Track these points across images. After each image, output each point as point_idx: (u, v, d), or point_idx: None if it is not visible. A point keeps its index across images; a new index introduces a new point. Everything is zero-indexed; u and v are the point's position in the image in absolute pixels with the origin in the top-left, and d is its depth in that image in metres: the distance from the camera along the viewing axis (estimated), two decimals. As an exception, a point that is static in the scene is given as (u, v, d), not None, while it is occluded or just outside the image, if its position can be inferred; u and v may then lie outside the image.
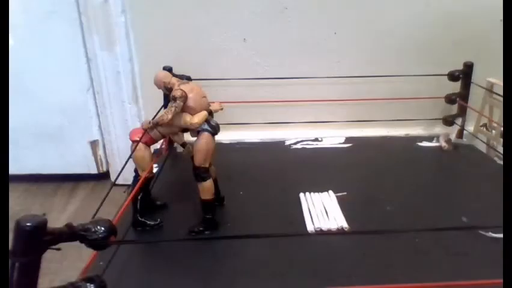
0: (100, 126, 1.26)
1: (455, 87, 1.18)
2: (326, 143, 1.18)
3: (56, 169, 1.31)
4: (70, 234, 0.45)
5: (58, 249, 0.44)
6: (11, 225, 0.42)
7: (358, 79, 1.16)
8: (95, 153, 1.30)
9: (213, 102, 0.79)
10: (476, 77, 1.15)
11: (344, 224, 0.77)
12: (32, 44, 1.16)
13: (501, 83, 1.09)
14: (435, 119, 1.22)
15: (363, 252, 0.71)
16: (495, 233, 0.72)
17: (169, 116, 0.69)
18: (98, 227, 0.47)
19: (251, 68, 1.17)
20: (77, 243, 0.47)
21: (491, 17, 1.12)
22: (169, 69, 1.11)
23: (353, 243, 0.73)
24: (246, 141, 1.22)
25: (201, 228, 0.76)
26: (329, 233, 0.76)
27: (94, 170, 1.32)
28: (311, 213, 0.81)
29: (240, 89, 1.18)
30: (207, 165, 0.74)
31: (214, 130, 0.74)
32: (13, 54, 1.06)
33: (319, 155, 1.13)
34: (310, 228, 0.77)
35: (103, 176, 1.33)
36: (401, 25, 1.15)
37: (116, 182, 0.82)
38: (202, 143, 0.73)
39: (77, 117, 1.24)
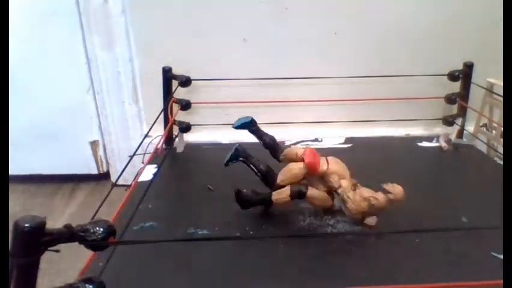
0: (100, 127, 1.26)
1: (455, 87, 1.17)
2: (326, 143, 1.18)
3: (56, 170, 1.31)
4: (69, 235, 0.45)
5: (57, 250, 0.44)
6: (11, 225, 0.42)
7: (358, 79, 1.16)
8: (95, 154, 1.30)
9: None
10: (476, 77, 1.15)
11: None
12: (32, 45, 1.16)
13: (501, 83, 1.09)
14: (436, 119, 1.22)
15: (363, 252, 0.71)
16: (498, 253, 0.69)
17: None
18: (97, 228, 0.46)
19: (251, 68, 1.17)
20: (77, 243, 0.47)
21: (491, 17, 1.12)
22: (168, 70, 1.11)
23: (353, 244, 0.73)
24: (246, 141, 1.21)
25: None
26: (328, 234, 0.76)
27: (94, 171, 1.32)
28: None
29: (240, 89, 1.18)
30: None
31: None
32: (13, 55, 1.05)
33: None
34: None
35: (103, 176, 1.33)
36: (401, 25, 1.15)
37: (116, 182, 0.82)
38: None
39: (77, 118, 1.24)
